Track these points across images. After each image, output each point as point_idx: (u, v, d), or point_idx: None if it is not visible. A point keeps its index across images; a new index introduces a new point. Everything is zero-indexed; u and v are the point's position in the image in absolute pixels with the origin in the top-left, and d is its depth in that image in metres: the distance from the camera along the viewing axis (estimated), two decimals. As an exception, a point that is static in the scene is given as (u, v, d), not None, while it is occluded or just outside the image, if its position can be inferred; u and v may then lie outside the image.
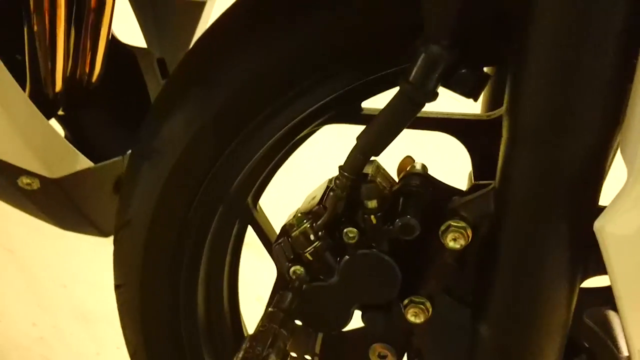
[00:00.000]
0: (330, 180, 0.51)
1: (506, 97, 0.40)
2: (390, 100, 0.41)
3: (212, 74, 0.52)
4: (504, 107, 0.41)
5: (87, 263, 1.13)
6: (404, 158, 0.51)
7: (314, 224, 0.45)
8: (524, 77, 0.36)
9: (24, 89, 0.71)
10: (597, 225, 0.37)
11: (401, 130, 0.42)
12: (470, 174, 0.80)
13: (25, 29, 0.70)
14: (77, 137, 0.79)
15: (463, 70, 0.40)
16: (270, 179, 0.60)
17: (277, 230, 0.61)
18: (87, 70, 0.76)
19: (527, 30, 0.35)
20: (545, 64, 0.35)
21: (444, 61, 0.38)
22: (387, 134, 0.41)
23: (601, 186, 0.42)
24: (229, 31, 0.53)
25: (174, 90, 0.56)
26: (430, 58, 0.38)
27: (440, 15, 0.36)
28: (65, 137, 0.80)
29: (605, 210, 0.38)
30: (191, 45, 0.56)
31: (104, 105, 0.82)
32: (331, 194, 0.45)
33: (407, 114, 0.41)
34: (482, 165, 0.55)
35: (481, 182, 0.48)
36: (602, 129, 0.38)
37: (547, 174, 0.39)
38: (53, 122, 0.82)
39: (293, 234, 0.45)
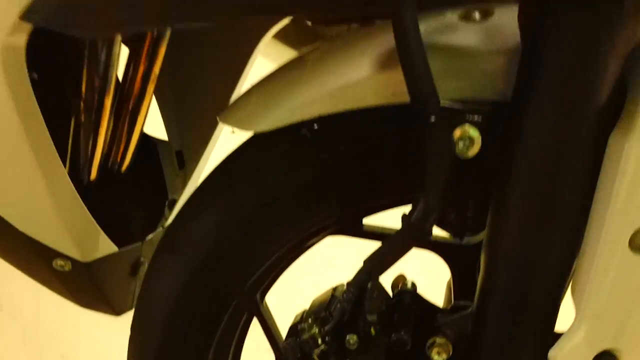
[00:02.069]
0: (334, 289, 0.60)
1: (485, 234, 0.50)
2: (395, 234, 0.51)
3: (243, 187, 0.61)
4: (484, 241, 0.51)
5: (88, 334, 1.14)
6: (397, 275, 0.60)
7: (322, 329, 0.53)
8: (496, 225, 0.47)
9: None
10: (551, 354, 0.47)
11: (399, 259, 0.51)
12: (448, 283, 0.89)
13: (73, 122, 0.79)
14: (100, 219, 0.87)
15: (453, 216, 0.50)
16: (278, 277, 0.68)
17: (278, 322, 0.69)
18: (118, 160, 0.86)
19: (502, 191, 0.46)
20: (517, 217, 0.46)
21: (438, 210, 0.48)
22: (389, 261, 0.51)
23: (557, 315, 0.52)
24: (261, 151, 0.61)
25: (206, 194, 0.65)
26: (427, 208, 0.48)
27: (435, 178, 0.46)
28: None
29: (558, 341, 0.47)
30: (227, 154, 0.64)
31: (126, 191, 0.90)
32: (338, 305, 0.53)
33: (406, 247, 0.50)
34: (462, 284, 0.65)
35: (462, 303, 0.57)
36: (561, 268, 0.48)
37: (514, 304, 0.48)
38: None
39: (303, 337, 0.53)
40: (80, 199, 0.70)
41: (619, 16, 0.40)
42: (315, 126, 0.51)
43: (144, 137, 0.98)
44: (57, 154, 0.63)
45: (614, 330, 0.48)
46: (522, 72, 0.45)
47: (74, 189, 0.68)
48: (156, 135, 1.01)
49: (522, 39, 0.44)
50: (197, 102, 1.00)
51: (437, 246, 0.65)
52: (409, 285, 0.59)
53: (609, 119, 0.45)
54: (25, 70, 0.55)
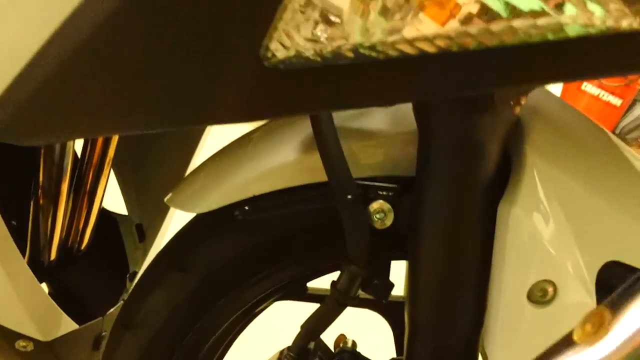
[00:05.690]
0: (280, 353, 0.65)
1: (406, 294, 0.56)
2: (324, 301, 0.56)
3: (187, 263, 0.66)
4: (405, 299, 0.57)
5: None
6: (339, 335, 0.66)
7: (268, 392, 0.58)
8: (413, 285, 0.53)
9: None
10: (468, 401, 0.52)
11: (332, 322, 0.57)
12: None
13: (32, 204, 0.84)
14: (62, 297, 0.90)
15: (375, 281, 0.56)
16: (232, 344, 0.73)
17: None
18: (78, 239, 0.90)
19: (414, 255, 0.52)
20: (429, 278, 0.52)
21: (361, 276, 0.54)
22: (322, 325, 0.57)
23: None
24: (203, 229, 0.67)
25: (155, 272, 0.70)
26: (351, 275, 0.54)
27: (355, 249, 0.53)
28: (50, 295, 0.90)
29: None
30: (168, 240, 0.69)
31: (87, 267, 0.94)
32: (281, 368, 0.58)
33: (335, 312, 0.56)
34: (400, 340, 0.70)
35: (396, 358, 0.62)
36: (474, 318, 0.54)
37: (436, 354, 0.54)
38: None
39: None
40: (38, 283, 0.74)
41: (492, 108, 0.48)
42: (247, 207, 0.57)
43: (104, 213, 1.03)
44: (13, 242, 0.67)
45: (526, 375, 0.54)
46: (420, 154, 0.52)
47: (32, 274, 0.72)
48: (116, 210, 1.06)
49: (417, 127, 0.51)
50: (156, 175, 1.06)
51: (375, 305, 0.71)
52: (350, 343, 0.64)
53: (498, 189, 0.52)
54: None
